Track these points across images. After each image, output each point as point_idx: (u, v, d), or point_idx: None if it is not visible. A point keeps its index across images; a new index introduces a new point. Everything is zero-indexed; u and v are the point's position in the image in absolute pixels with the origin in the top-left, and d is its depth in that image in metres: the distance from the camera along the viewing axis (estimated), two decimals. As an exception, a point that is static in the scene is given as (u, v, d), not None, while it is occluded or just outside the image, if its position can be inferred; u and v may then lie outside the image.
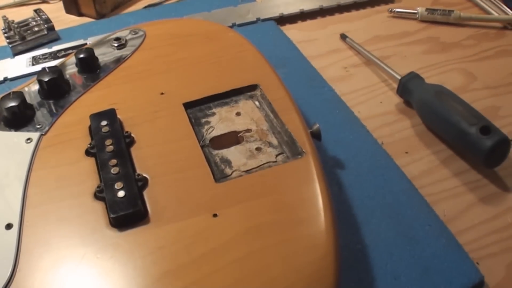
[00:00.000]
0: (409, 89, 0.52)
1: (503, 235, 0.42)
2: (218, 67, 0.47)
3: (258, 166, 0.38)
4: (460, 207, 0.44)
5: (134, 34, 0.53)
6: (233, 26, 0.66)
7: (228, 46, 0.50)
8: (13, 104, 0.42)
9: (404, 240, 0.40)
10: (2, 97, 0.43)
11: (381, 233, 0.41)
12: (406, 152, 0.49)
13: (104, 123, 0.41)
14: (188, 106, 0.44)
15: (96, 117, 0.42)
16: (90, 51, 0.49)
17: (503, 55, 0.62)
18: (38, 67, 0.61)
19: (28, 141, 0.41)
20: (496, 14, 0.68)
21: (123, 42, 0.51)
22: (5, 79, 0.60)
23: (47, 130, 0.42)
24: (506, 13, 0.67)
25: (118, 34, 0.53)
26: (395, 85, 0.56)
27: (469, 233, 0.42)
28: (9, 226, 0.35)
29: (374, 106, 0.54)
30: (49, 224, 0.35)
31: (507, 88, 0.56)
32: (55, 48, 0.64)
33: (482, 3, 0.70)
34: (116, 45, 0.51)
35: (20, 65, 0.62)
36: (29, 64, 0.61)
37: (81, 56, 0.48)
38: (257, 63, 0.48)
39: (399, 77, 0.54)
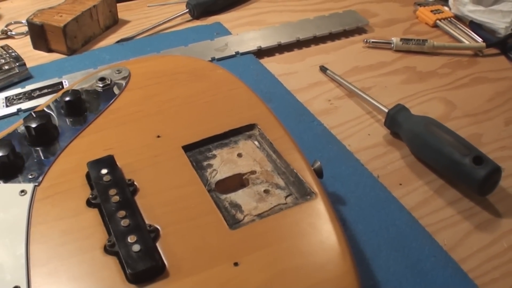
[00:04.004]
0: (398, 121, 0.53)
1: (502, 260, 0.44)
2: (212, 107, 0.47)
3: (270, 209, 0.38)
4: (458, 235, 0.45)
5: (118, 73, 0.52)
6: (212, 60, 0.65)
7: (218, 84, 0.50)
8: (1, 154, 0.40)
9: (414, 273, 0.41)
10: (-13, 147, 0.41)
11: (391, 267, 0.41)
12: (400, 184, 0.50)
13: (104, 171, 0.39)
14: (187, 148, 0.43)
15: (95, 165, 0.40)
16: (77, 93, 0.47)
17: (477, 83, 0.64)
18: (13, 109, 0.58)
19: (22, 193, 0.39)
20: (466, 42, 0.71)
21: (109, 82, 0.50)
22: (-21, 123, 0.57)
23: (41, 181, 0.40)
24: (475, 41, 0.71)
25: (101, 74, 0.51)
26: (380, 117, 0.57)
27: (470, 261, 0.43)
28: (17, 290, 0.32)
29: (363, 138, 0.55)
30: (61, 284, 0.33)
31: (486, 115, 0.59)
32: (29, 87, 0.61)
33: (452, 32, 0.73)
34: (101, 85, 0.50)
35: (-7, 107, 0.59)
36: (3, 106, 0.59)
37: (68, 98, 0.46)
38: (251, 101, 0.48)
39: (385, 110, 0.55)
